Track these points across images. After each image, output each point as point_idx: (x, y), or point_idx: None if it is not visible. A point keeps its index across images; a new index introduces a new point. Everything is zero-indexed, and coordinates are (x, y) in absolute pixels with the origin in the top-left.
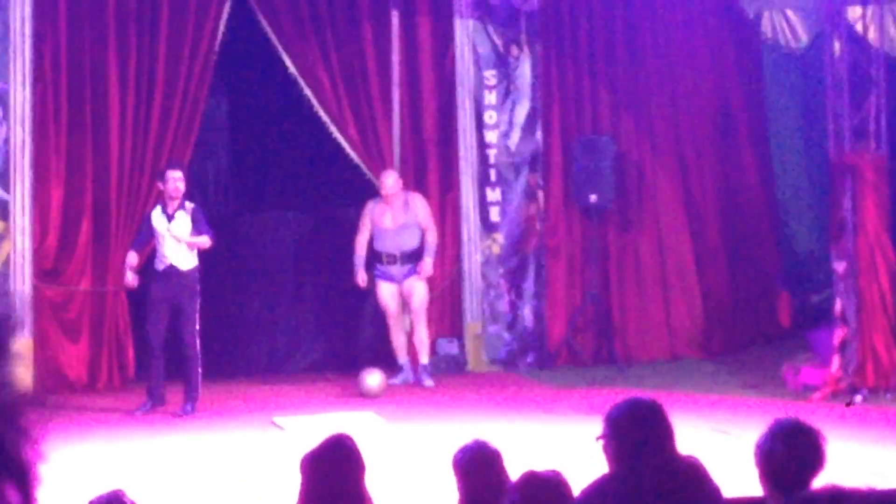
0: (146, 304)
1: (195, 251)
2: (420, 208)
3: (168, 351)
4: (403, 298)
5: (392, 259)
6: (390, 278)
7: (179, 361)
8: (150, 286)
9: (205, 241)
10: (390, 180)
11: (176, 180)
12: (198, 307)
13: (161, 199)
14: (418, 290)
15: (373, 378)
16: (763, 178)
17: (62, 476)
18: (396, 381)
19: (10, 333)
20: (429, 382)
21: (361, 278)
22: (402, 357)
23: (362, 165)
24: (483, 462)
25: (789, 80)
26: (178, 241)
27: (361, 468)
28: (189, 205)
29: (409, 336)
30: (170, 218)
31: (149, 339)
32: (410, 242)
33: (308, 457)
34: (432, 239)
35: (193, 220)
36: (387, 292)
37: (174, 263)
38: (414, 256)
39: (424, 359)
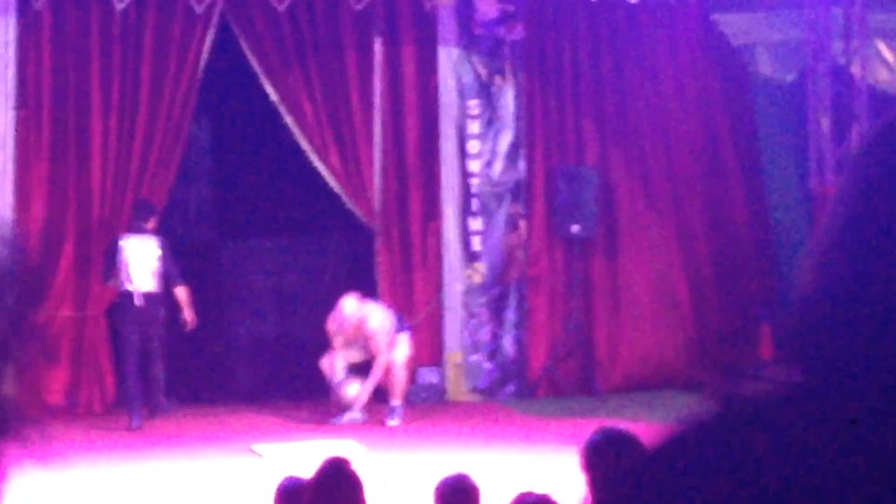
0: (120, 328)
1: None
2: (371, 338)
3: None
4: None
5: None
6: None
7: (148, 377)
8: (121, 313)
9: (185, 293)
10: (348, 308)
11: (152, 222)
12: (163, 325)
13: (130, 225)
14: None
15: (351, 388)
16: (754, 210)
17: (41, 501)
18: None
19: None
20: (394, 422)
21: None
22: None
23: (343, 195)
24: (462, 495)
25: (779, 112)
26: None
27: (361, 489)
28: (158, 240)
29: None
30: (139, 234)
31: (124, 360)
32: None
33: (311, 481)
34: (380, 365)
35: (163, 257)
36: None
37: (142, 290)
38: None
39: (394, 401)
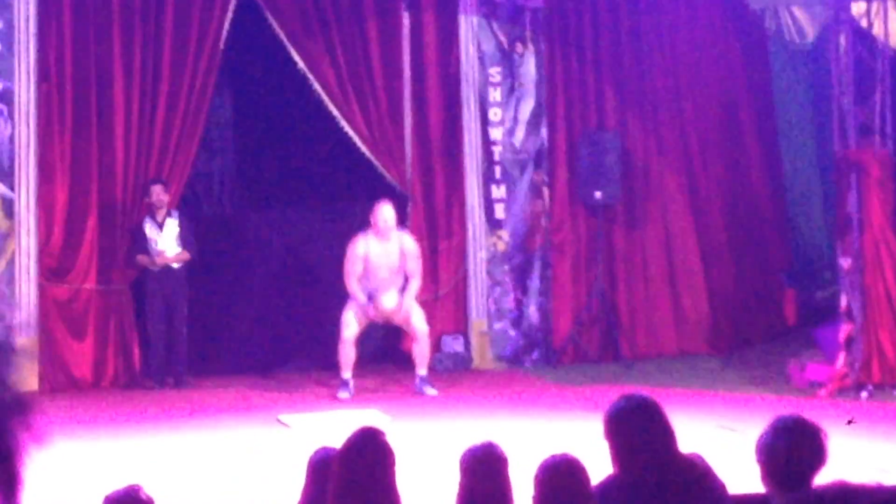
0: (145, 300)
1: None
2: (411, 257)
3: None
4: (399, 319)
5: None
6: (371, 309)
7: (171, 347)
8: (146, 284)
9: (185, 257)
10: (389, 213)
11: (158, 192)
12: (187, 300)
13: (149, 209)
14: (416, 309)
15: (389, 297)
16: (771, 175)
17: (70, 473)
18: (342, 394)
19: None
20: (432, 392)
21: (362, 300)
22: (348, 372)
23: (374, 161)
24: (488, 465)
25: (797, 76)
26: (166, 261)
27: (392, 460)
28: (175, 213)
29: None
30: (160, 226)
31: (148, 330)
32: (398, 284)
33: (341, 450)
34: (416, 287)
35: (180, 227)
36: (352, 315)
37: (165, 265)
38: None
39: (423, 371)
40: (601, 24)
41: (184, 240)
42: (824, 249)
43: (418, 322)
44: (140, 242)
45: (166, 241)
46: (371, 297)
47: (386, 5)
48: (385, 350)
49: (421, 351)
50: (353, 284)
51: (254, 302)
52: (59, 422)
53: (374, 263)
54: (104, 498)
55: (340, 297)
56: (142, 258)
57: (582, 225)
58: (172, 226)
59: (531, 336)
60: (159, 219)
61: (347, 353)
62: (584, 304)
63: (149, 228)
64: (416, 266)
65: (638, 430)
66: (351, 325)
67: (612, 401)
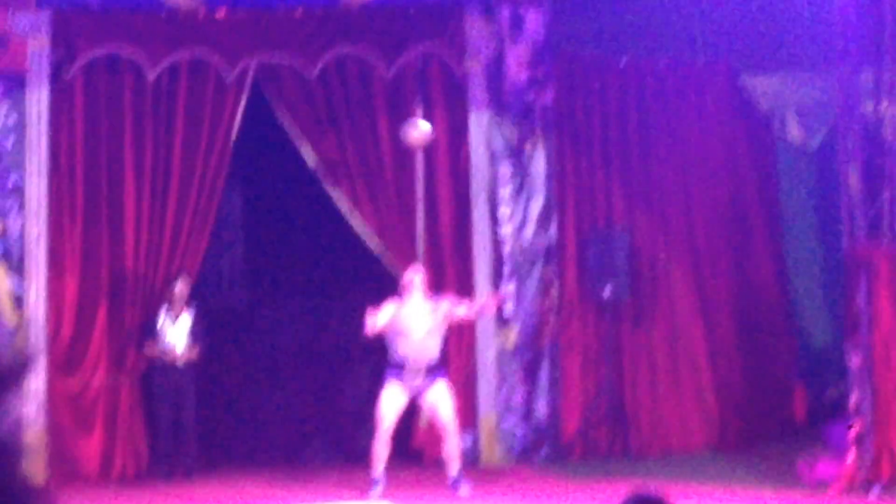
0: (153, 393)
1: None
2: (447, 303)
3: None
4: (427, 408)
5: (416, 369)
6: (407, 388)
7: (179, 439)
8: (154, 377)
9: (193, 356)
10: (419, 278)
11: (182, 287)
12: (194, 390)
13: (169, 302)
14: (446, 399)
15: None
16: (777, 273)
17: None
18: (374, 494)
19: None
20: (465, 492)
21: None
22: (379, 470)
23: (384, 259)
24: None
25: (803, 176)
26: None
27: None
28: (191, 309)
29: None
30: (174, 319)
31: (157, 423)
32: (435, 351)
33: None
34: (463, 308)
35: (193, 322)
36: (395, 401)
37: (175, 358)
38: (436, 368)
39: (454, 471)
40: (610, 122)
41: (194, 334)
42: (830, 346)
43: (445, 412)
44: (150, 333)
45: (178, 334)
46: (409, 375)
47: (397, 103)
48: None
49: (450, 449)
50: (376, 317)
51: (263, 395)
52: None
53: (406, 324)
54: None
55: (350, 389)
56: (151, 348)
57: (591, 322)
58: (186, 320)
59: (540, 432)
60: (175, 312)
61: (380, 450)
62: (593, 400)
63: (163, 321)
64: (451, 304)
65: None
66: (388, 417)
67: (621, 497)
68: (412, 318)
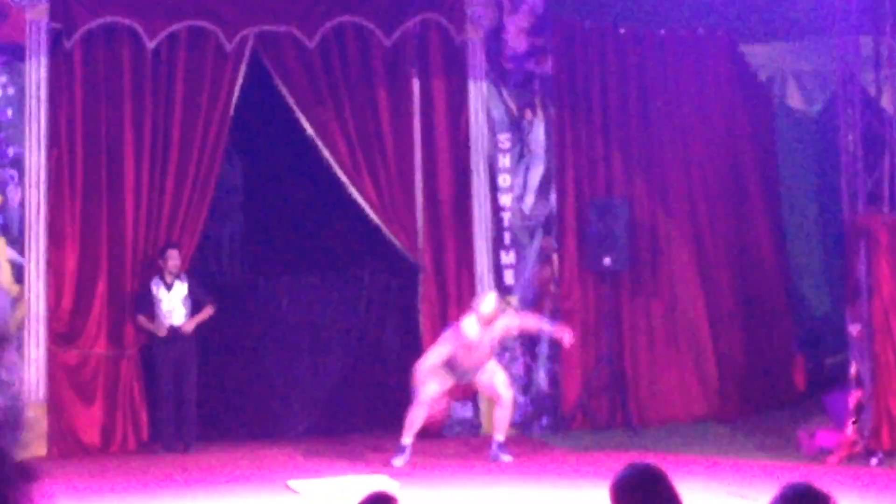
0: (154, 365)
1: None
2: (513, 325)
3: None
4: (483, 388)
5: (467, 372)
6: (456, 377)
7: (181, 410)
8: (155, 349)
9: (208, 312)
10: (491, 305)
11: (174, 257)
12: (196, 362)
13: (160, 271)
14: (498, 373)
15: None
16: (776, 241)
17: None
18: (396, 461)
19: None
20: (507, 458)
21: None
22: (409, 438)
23: (384, 228)
24: None
25: (802, 143)
26: (188, 329)
27: None
28: (184, 277)
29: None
30: (168, 287)
31: (158, 394)
32: (489, 359)
33: None
34: (534, 320)
35: (190, 290)
36: (442, 380)
37: (175, 325)
38: None
39: (501, 436)
40: (610, 91)
41: (196, 300)
42: (829, 315)
43: (501, 387)
44: (145, 303)
45: (173, 302)
46: (456, 371)
47: (396, 71)
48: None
49: (503, 416)
50: (426, 368)
51: (263, 367)
52: (66, 488)
53: (471, 349)
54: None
55: (348, 362)
56: (143, 320)
57: (591, 291)
58: (181, 288)
59: (540, 402)
60: (168, 280)
61: (417, 416)
62: (593, 371)
63: (157, 289)
64: (516, 318)
65: (644, 499)
66: (430, 389)
67: (618, 470)
68: (478, 341)
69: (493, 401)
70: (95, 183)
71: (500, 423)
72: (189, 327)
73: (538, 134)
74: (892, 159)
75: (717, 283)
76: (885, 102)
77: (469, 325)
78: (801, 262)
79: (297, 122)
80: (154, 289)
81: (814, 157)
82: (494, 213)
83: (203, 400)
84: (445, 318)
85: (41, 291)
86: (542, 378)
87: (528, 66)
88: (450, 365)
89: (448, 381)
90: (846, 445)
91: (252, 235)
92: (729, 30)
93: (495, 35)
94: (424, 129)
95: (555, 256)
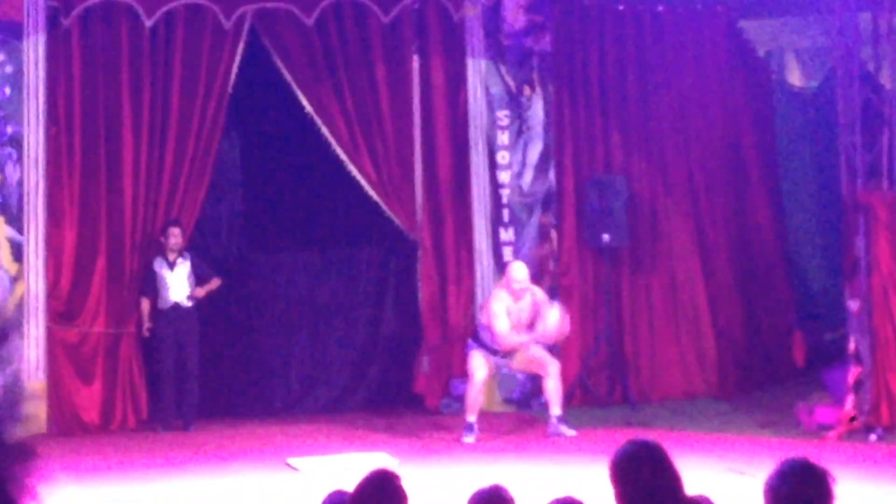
0: (154, 343)
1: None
2: (543, 302)
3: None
4: (525, 364)
5: (505, 353)
6: (492, 354)
7: (182, 387)
8: (156, 327)
9: (216, 283)
10: (523, 273)
11: (177, 235)
12: (198, 339)
13: (162, 249)
14: (536, 349)
15: (552, 314)
16: (774, 217)
17: None
18: (467, 439)
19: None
20: (570, 432)
21: (524, 338)
22: (474, 416)
23: (383, 205)
24: None
25: (800, 119)
26: (199, 296)
27: (406, 503)
28: (187, 254)
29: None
30: (171, 265)
31: (159, 372)
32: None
33: (354, 493)
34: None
35: (193, 267)
36: (485, 360)
37: (178, 301)
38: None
39: (557, 410)
40: (608, 68)
41: (200, 276)
42: (828, 291)
43: (545, 357)
44: (149, 282)
45: (177, 280)
46: (495, 353)
47: (395, 49)
48: (395, 390)
49: (554, 386)
50: (506, 330)
51: (262, 345)
52: (66, 465)
53: (510, 321)
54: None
55: (347, 339)
56: (143, 306)
57: (589, 268)
58: (183, 266)
59: (539, 379)
60: (171, 259)
61: (476, 397)
62: (592, 347)
63: (160, 268)
64: (548, 305)
65: (643, 475)
66: (480, 369)
67: (618, 445)
68: (510, 316)
69: (541, 374)
70: (94, 161)
71: (553, 394)
72: (200, 294)
73: (537, 111)
74: (890, 135)
75: (715, 259)
76: (884, 78)
77: (500, 296)
78: (800, 238)
79: (295, 99)
80: (157, 268)
81: (812, 134)
82: (493, 190)
83: (202, 378)
84: (444, 294)
85: (40, 270)
86: None
87: (526, 43)
88: (489, 347)
89: (490, 358)
90: (845, 421)
91: (251, 213)
92: (727, 6)
93: (494, 11)
94: (423, 106)
95: (553, 233)
